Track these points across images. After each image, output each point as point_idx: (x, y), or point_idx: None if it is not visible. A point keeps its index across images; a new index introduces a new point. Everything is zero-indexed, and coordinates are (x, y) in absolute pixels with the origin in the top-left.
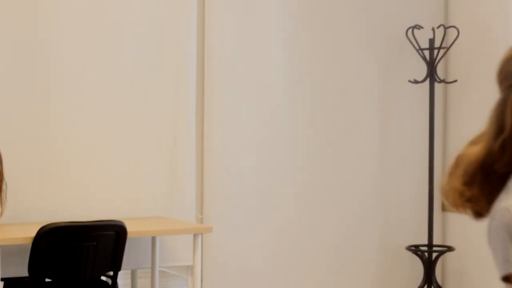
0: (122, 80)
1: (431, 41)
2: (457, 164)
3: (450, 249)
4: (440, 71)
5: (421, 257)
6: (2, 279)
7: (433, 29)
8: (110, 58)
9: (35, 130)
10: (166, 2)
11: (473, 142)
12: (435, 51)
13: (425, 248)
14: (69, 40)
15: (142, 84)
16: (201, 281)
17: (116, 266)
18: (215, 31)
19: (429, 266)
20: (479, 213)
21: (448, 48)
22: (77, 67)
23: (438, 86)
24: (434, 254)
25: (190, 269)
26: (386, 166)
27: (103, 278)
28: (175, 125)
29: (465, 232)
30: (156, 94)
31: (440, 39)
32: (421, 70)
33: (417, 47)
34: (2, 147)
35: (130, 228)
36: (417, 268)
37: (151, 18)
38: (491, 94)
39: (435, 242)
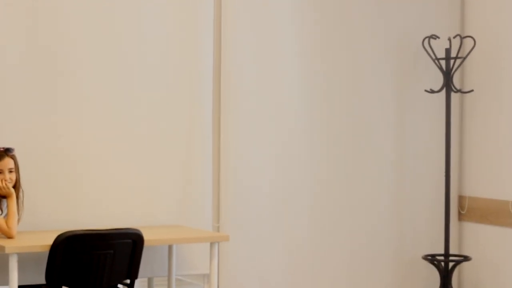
0: (138, 92)
1: (448, 51)
2: None
3: (466, 258)
4: (456, 81)
5: (437, 266)
6: (20, 287)
7: (449, 39)
8: (125, 67)
9: (52, 140)
10: (182, 6)
11: None
12: (452, 61)
13: (442, 258)
14: (85, 51)
15: (158, 94)
16: None
17: (133, 274)
18: (231, 43)
19: (446, 276)
20: None
21: (464, 58)
22: (93, 77)
23: (454, 96)
24: (451, 264)
25: (206, 277)
26: (402, 176)
27: (120, 286)
28: (191, 133)
29: (481, 242)
30: (172, 102)
31: (457, 49)
32: (438, 79)
33: (434, 57)
34: (20, 156)
35: (146, 236)
36: (434, 277)
37: (167, 23)
38: (508, 104)
39: (451, 251)
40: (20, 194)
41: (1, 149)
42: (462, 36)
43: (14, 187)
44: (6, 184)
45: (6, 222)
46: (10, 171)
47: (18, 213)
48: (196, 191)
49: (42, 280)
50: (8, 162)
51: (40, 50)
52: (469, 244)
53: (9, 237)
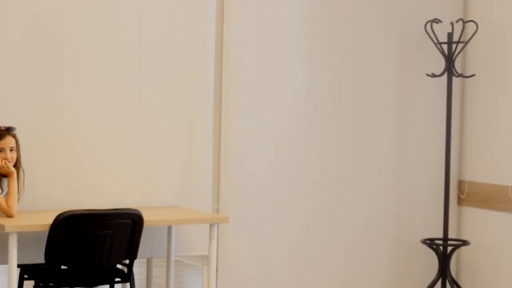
0: (139, 74)
1: (450, 35)
2: None
3: (465, 243)
4: (458, 65)
5: (436, 250)
6: (19, 266)
7: (451, 23)
8: (127, 51)
9: (53, 121)
10: (185, 5)
11: None
12: (454, 45)
13: (440, 242)
14: (90, 39)
15: (160, 77)
16: (216, 271)
17: (132, 254)
18: (233, 29)
19: (444, 260)
20: None
21: (466, 43)
22: (95, 60)
23: (456, 80)
24: (449, 248)
25: (205, 259)
26: (402, 160)
27: (119, 266)
28: (192, 115)
29: (480, 227)
30: (174, 85)
31: (459, 33)
32: (439, 64)
33: (436, 41)
34: (20, 137)
35: (146, 217)
36: (432, 261)
37: (171, 13)
38: (509, 89)
39: (450, 236)
40: (21, 173)
41: (3, 128)
42: (465, 20)
43: (14, 166)
44: (6, 163)
45: (6, 201)
46: (11, 150)
47: (18, 192)
48: (196, 172)
49: (41, 260)
50: (9, 141)
51: (42, 34)
52: (468, 229)
53: (9, 216)
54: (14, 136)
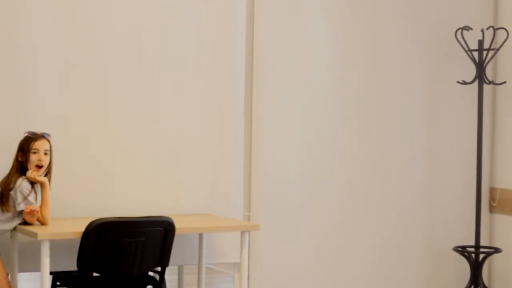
0: (170, 81)
1: (480, 42)
2: None
3: (497, 250)
4: (489, 72)
5: (468, 258)
6: (51, 273)
7: (482, 31)
8: (159, 63)
9: (85, 128)
10: (216, 1)
11: None
12: (484, 53)
13: (472, 249)
14: (122, 50)
15: (190, 85)
16: (248, 278)
17: (164, 262)
18: (263, 35)
19: (476, 267)
20: None
21: (497, 50)
22: (126, 68)
23: (486, 88)
24: (481, 256)
25: (236, 266)
26: (433, 167)
27: (151, 273)
28: (223, 122)
29: None
30: (205, 92)
31: (489, 40)
32: (470, 71)
33: (466, 48)
34: (53, 144)
35: (177, 224)
36: (464, 269)
37: (201, 17)
38: None
39: (482, 243)
40: (51, 179)
41: (38, 133)
42: (495, 27)
43: (47, 172)
44: (34, 175)
45: (41, 211)
46: (45, 154)
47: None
48: (227, 180)
49: (73, 267)
50: (44, 144)
51: (73, 42)
52: (500, 236)
53: (44, 224)
54: (49, 141)
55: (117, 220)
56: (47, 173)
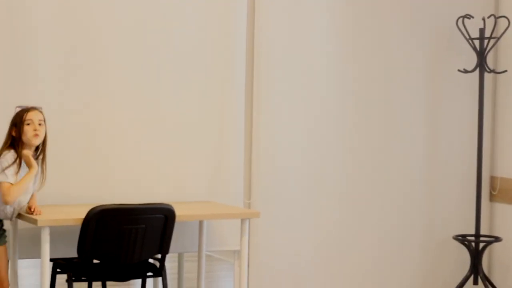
0: (172, 71)
1: (482, 31)
2: None
3: (497, 239)
4: (490, 61)
5: (468, 246)
6: (51, 260)
7: (483, 19)
8: (161, 52)
9: (85, 116)
10: (216, 0)
11: None
12: (485, 41)
13: (472, 238)
14: (119, 36)
15: (191, 73)
16: (248, 266)
17: (164, 249)
18: (264, 29)
19: (476, 256)
20: None
21: (498, 38)
22: (127, 59)
23: (487, 76)
24: (481, 244)
25: (236, 253)
26: (434, 156)
27: (151, 260)
28: (224, 110)
29: None
30: (205, 80)
31: (491, 29)
32: (471, 59)
33: (467, 37)
34: (53, 132)
35: (178, 212)
36: (464, 257)
37: (202, 16)
38: None
39: (482, 232)
40: (45, 156)
41: (29, 106)
42: (497, 16)
43: (43, 145)
44: (30, 158)
45: (11, 187)
46: (40, 124)
47: (43, 174)
48: (227, 168)
49: (73, 254)
50: (37, 114)
51: (72, 32)
52: (500, 225)
53: (4, 202)
54: (41, 112)
55: (118, 207)
56: (43, 145)
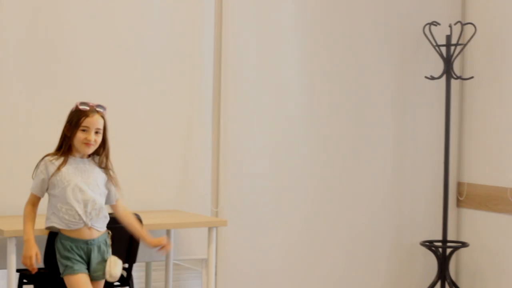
0: (137, 77)
1: (448, 38)
2: None
3: (464, 245)
4: (456, 67)
5: (435, 252)
6: (18, 270)
7: (450, 26)
8: (126, 56)
9: (52, 125)
10: (184, 3)
11: None
12: (452, 48)
13: (440, 244)
14: (89, 41)
15: (157, 80)
16: (215, 274)
17: (131, 258)
18: (232, 29)
19: (443, 262)
20: None
21: (465, 45)
22: (93, 63)
23: (454, 83)
24: (448, 250)
25: (204, 262)
26: (401, 162)
27: None
28: (191, 119)
29: (479, 229)
30: (172, 89)
31: (457, 35)
32: (438, 66)
33: (434, 44)
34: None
35: (145, 220)
36: (431, 263)
37: (168, 21)
38: (508, 91)
39: (449, 238)
40: (109, 164)
41: (92, 104)
42: (463, 22)
43: (97, 151)
44: (31, 263)
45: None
46: (97, 132)
47: (116, 185)
48: (195, 176)
49: (40, 264)
50: (97, 121)
51: (40, 37)
52: (467, 231)
53: None
54: (103, 117)
55: None
56: (103, 152)
